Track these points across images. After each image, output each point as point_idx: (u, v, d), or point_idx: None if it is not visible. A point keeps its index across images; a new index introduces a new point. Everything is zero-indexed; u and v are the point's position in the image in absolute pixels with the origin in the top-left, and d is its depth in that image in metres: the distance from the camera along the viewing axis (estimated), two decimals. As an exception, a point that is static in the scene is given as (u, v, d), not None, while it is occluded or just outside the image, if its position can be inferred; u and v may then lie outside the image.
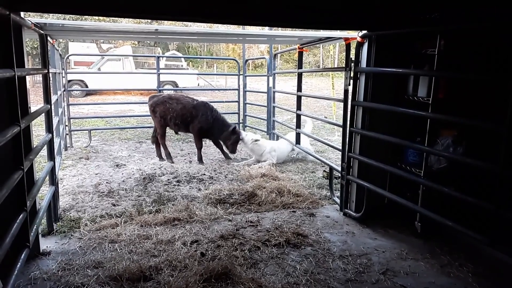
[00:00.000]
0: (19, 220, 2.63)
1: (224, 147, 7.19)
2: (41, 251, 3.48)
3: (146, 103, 7.54)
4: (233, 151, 7.05)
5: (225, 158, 7.22)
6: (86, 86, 17.16)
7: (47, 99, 3.95)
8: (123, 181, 5.69)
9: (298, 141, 6.19)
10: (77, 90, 16.73)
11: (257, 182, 5.45)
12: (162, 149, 7.02)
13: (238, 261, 3.36)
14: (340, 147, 4.60)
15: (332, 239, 3.90)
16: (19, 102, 2.73)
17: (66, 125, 7.77)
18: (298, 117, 6.12)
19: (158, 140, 7.03)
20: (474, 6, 3.39)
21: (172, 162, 6.81)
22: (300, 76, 6.09)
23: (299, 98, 6.08)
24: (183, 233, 3.92)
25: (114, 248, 3.60)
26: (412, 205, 3.66)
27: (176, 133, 7.38)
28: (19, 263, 2.64)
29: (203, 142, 8.70)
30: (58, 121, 5.80)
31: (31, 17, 3.78)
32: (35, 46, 20.00)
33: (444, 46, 3.47)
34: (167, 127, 7.05)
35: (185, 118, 6.78)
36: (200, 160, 6.94)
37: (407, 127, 4.04)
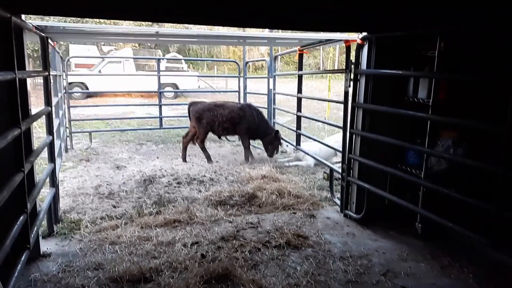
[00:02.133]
0: (19, 222, 2.63)
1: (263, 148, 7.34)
2: (41, 253, 3.48)
3: (146, 105, 7.58)
4: (271, 155, 7.18)
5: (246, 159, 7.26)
6: (87, 88, 17.17)
7: (48, 101, 3.95)
8: (124, 183, 5.70)
9: (298, 142, 6.19)
10: (77, 92, 16.73)
11: (258, 183, 5.45)
12: (202, 152, 7.17)
13: (239, 263, 3.36)
14: (341, 149, 4.60)
15: (333, 241, 3.90)
16: (20, 104, 2.74)
17: (67, 127, 7.78)
18: (299, 118, 6.12)
19: (198, 144, 7.17)
20: (474, 8, 3.39)
21: (211, 163, 6.98)
22: (300, 78, 6.11)
23: (299, 100, 6.09)
24: (183, 234, 3.92)
25: (114, 249, 3.60)
26: (413, 207, 3.66)
27: (220, 137, 7.56)
28: (20, 265, 2.64)
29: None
30: (59, 123, 5.81)
31: (32, 20, 3.80)
32: (36, 48, 20.02)
33: (444, 48, 3.47)
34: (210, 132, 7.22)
35: (234, 120, 6.99)
36: (246, 159, 7.11)
37: (407, 128, 4.04)
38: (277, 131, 7.05)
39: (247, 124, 6.99)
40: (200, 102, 7.37)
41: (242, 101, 7.73)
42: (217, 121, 6.98)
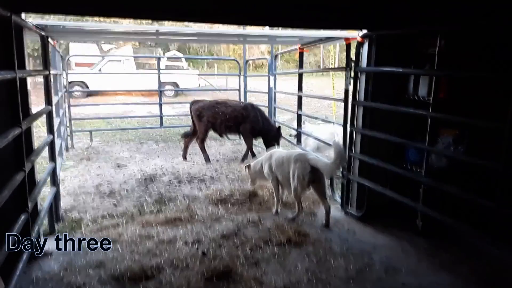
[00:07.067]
0: (21, 221, 2.64)
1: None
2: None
3: (146, 103, 7.57)
4: None
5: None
6: (87, 87, 17.17)
7: (48, 101, 3.96)
8: (125, 181, 5.70)
9: (299, 140, 6.20)
10: (78, 91, 16.74)
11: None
12: (201, 152, 7.07)
13: (240, 260, 3.37)
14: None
15: (334, 238, 3.90)
16: (20, 104, 2.75)
17: (67, 126, 7.79)
18: (299, 117, 6.12)
19: (198, 144, 7.08)
20: (475, 5, 3.38)
21: (209, 163, 6.85)
22: (301, 76, 6.11)
23: (300, 98, 6.09)
24: (184, 232, 3.92)
25: (115, 248, 3.60)
26: (413, 204, 3.66)
27: (221, 136, 7.42)
28: (21, 264, 2.65)
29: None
30: (59, 122, 5.81)
31: (32, 19, 3.80)
32: (36, 47, 20.01)
33: (445, 46, 3.47)
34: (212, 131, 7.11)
35: (237, 119, 6.91)
36: (245, 156, 7.05)
37: (407, 126, 4.04)
38: (279, 127, 7.01)
39: (252, 124, 6.90)
40: (202, 101, 7.31)
41: (243, 100, 7.59)
42: (219, 119, 6.91)
